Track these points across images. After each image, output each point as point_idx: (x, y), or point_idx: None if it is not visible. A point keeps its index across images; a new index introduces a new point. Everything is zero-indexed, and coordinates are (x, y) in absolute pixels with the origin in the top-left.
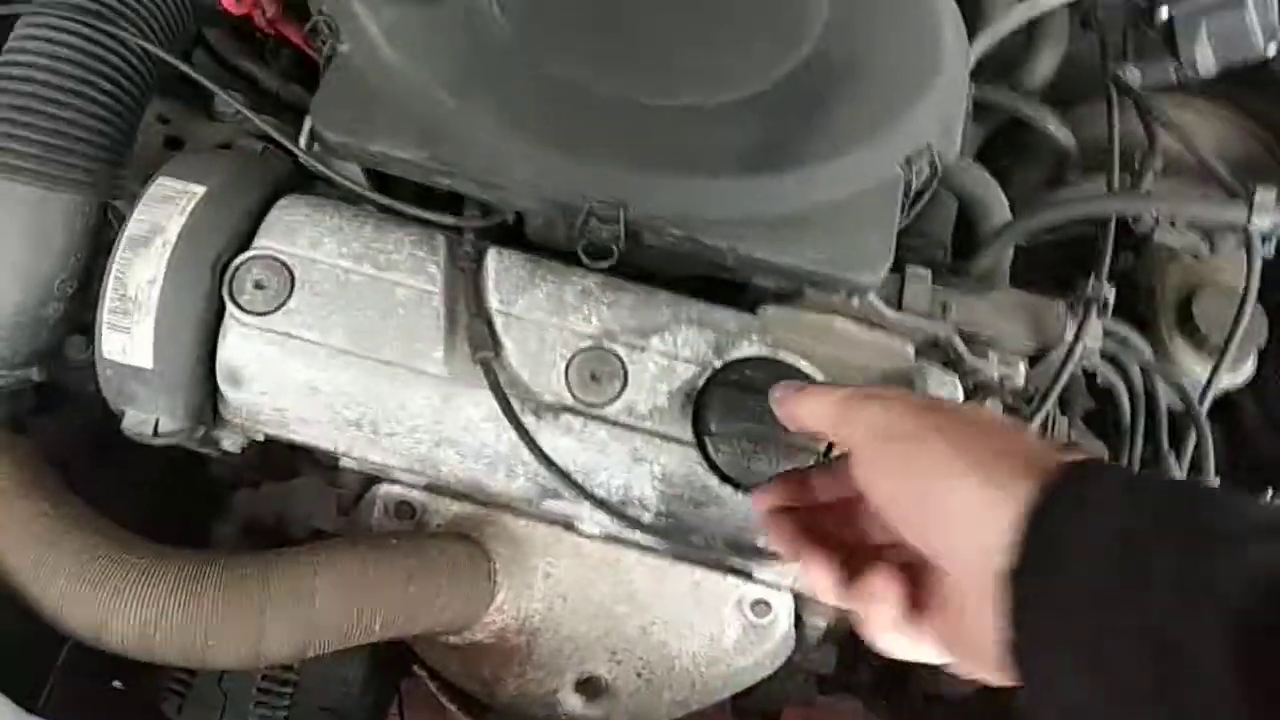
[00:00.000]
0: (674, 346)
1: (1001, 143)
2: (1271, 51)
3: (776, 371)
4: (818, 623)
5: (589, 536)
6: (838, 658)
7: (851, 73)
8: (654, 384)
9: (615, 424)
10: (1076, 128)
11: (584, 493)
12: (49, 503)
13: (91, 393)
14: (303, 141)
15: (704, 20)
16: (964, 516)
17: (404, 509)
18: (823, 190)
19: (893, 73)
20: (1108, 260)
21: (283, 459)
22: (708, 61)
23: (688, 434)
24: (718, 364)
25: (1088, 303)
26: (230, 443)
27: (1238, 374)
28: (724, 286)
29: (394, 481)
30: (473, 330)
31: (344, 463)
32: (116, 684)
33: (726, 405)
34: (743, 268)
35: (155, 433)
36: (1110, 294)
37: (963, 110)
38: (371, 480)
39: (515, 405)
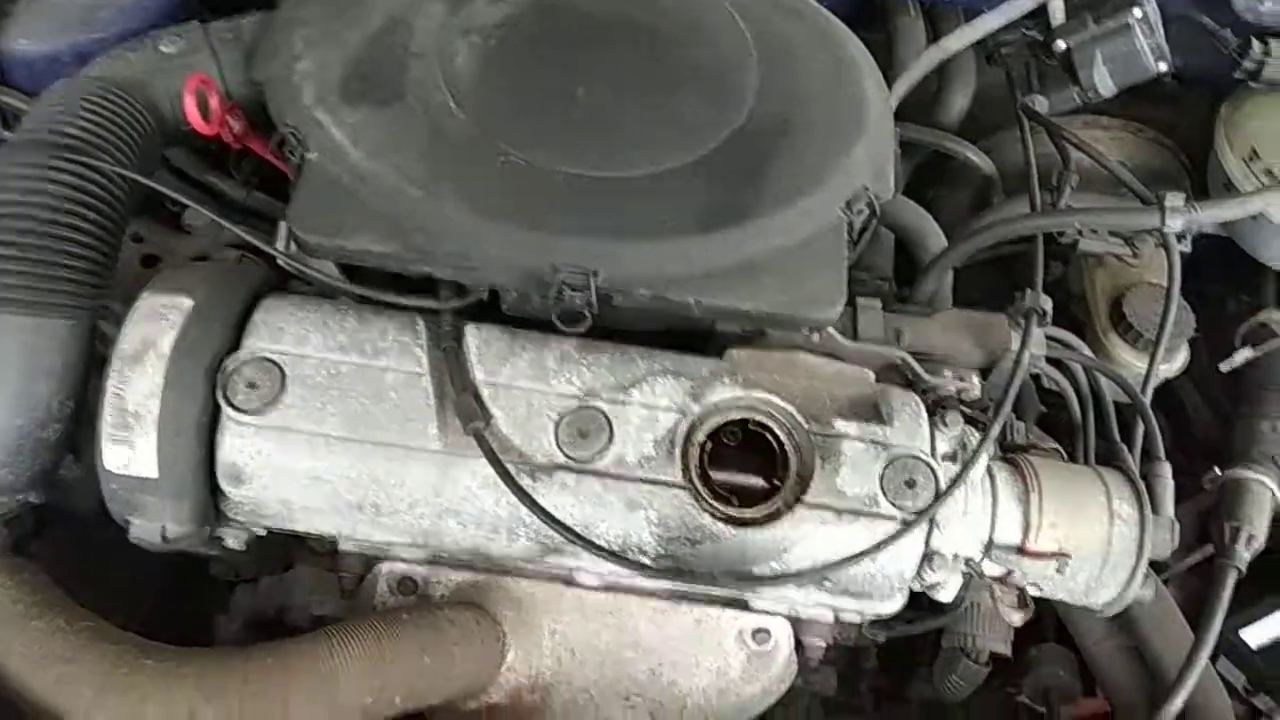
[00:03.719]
0: (653, 397)
1: (927, 175)
2: (1163, 68)
3: None
4: (816, 643)
5: (589, 588)
6: (838, 679)
7: (787, 132)
8: (639, 434)
9: (608, 476)
10: (995, 155)
11: (587, 544)
12: (63, 619)
13: (83, 509)
14: (280, 245)
15: (647, 95)
16: None
17: (407, 584)
18: (775, 239)
19: (823, 129)
20: (1040, 273)
21: (279, 551)
22: (655, 133)
23: (678, 478)
24: (696, 409)
25: (1028, 313)
26: (234, 539)
27: (1173, 363)
28: (690, 336)
29: (395, 559)
30: (462, 404)
31: (344, 546)
32: None
33: None
34: (709, 317)
35: (163, 538)
36: (1048, 304)
37: (892, 154)
38: (372, 560)
39: (511, 469)
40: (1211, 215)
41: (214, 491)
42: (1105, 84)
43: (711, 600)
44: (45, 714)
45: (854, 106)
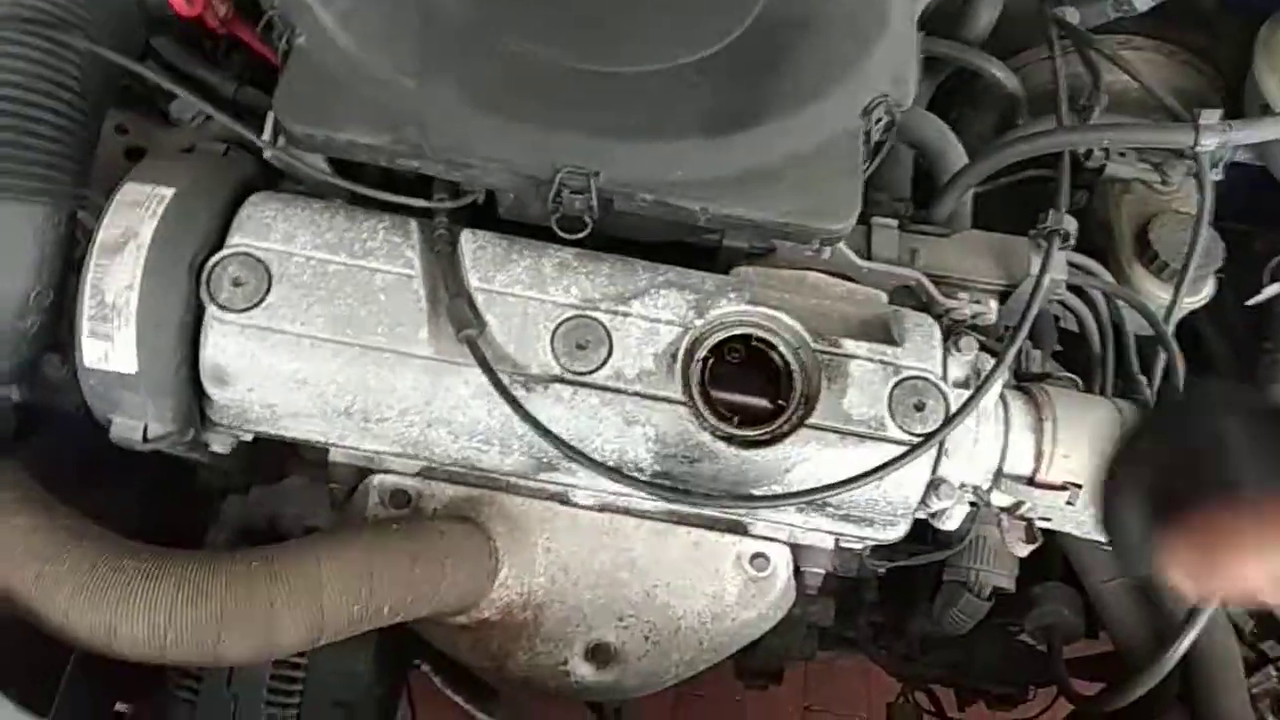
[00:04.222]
0: (655, 309)
1: (952, 94)
2: None
3: None
4: (815, 571)
5: (584, 508)
6: (835, 610)
7: (803, 29)
8: (639, 347)
9: (605, 389)
10: (1022, 75)
11: (581, 457)
12: (44, 517)
13: (71, 412)
14: (267, 135)
15: None
16: None
17: (399, 497)
18: (787, 144)
19: (842, 27)
20: (1065, 194)
21: (271, 461)
22: (664, 26)
23: (677, 393)
24: (699, 323)
25: (1050, 235)
26: (220, 444)
27: (1198, 295)
28: (697, 253)
29: (387, 471)
30: (455, 310)
31: (334, 456)
32: (121, 707)
33: None
34: (716, 226)
35: (144, 438)
36: (1073, 226)
37: (913, 59)
38: (364, 472)
39: (504, 379)
40: (1247, 135)
41: (199, 393)
42: None
43: (710, 524)
44: (24, 612)
45: (874, 7)
